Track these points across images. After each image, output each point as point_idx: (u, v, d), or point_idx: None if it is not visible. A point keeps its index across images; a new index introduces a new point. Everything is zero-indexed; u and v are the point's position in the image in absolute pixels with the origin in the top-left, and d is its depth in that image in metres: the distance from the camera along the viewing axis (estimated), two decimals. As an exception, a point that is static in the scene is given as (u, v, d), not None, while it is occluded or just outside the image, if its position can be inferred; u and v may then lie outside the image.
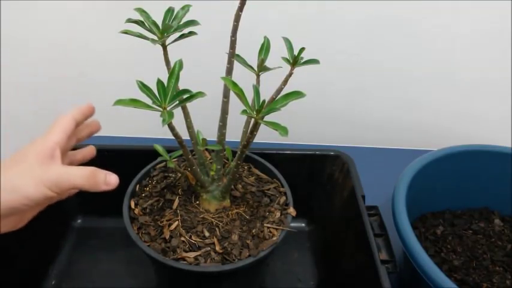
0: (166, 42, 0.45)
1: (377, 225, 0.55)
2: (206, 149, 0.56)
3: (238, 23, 0.45)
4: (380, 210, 0.57)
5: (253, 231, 0.49)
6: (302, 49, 0.46)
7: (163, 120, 0.38)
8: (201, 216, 0.51)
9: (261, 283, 0.61)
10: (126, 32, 0.44)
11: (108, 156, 0.65)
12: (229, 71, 0.48)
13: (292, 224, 0.51)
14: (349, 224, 0.59)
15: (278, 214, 0.51)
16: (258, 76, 0.49)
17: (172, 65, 0.42)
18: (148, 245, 0.47)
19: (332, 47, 0.81)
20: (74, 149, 0.48)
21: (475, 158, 0.64)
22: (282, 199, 0.54)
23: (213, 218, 0.50)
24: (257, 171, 0.58)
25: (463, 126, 0.90)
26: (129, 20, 0.45)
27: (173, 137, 0.44)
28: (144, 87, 0.40)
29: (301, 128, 0.91)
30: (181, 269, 0.45)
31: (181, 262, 0.46)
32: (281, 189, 0.56)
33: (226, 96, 0.49)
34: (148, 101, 0.39)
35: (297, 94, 0.40)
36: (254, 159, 0.59)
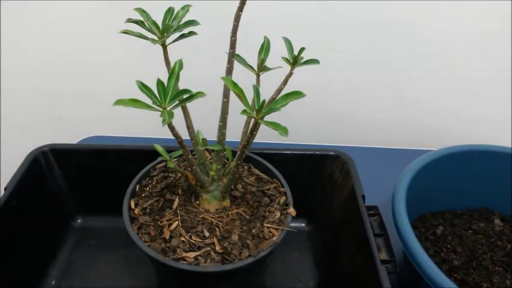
0: (166, 42, 0.45)
1: (377, 225, 0.55)
2: (206, 149, 0.56)
3: (238, 23, 0.45)
4: (380, 210, 0.57)
5: (253, 231, 0.49)
6: (302, 49, 0.46)
7: (163, 120, 0.38)
8: (201, 216, 0.51)
9: (261, 283, 0.61)
10: (126, 32, 0.44)
11: (108, 156, 0.66)
12: (229, 71, 0.48)
13: (292, 224, 0.51)
14: (349, 224, 0.59)
15: (278, 214, 0.51)
16: (258, 76, 0.49)
17: (172, 65, 0.42)
18: (148, 245, 0.47)
19: (332, 47, 0.81)
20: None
21: (475, 158, 0.64)
22: (282, 199, 0.54)
23: (213, 218, 0.50)
24: (257, 171, 0.58)
25: (463, 126, 0.90)
26: (129, 20, 0.45)
27: (173, 137, 0.44)
28: (144, 87, 0.40)
29: (301, 128, 0.91)
30: (181, 269, 0.45)
31: (181, 262, 0.46)
32: (281, 189, 0.56)
33: (226, 96, 0.48)
34: (149, 101, 0.39)
35: (297, 94, 0.40)
36: (254, 159, 0.59)
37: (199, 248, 0.47)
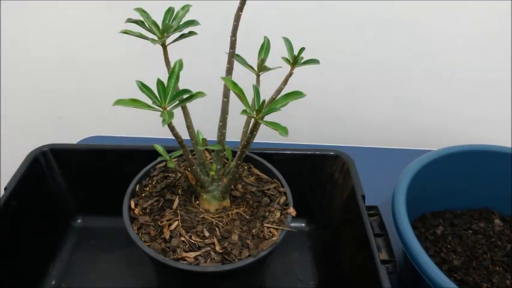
0: (166, 42, 0.45)
1: (377, 225, 0.55)
2: (206, 149, 0.56)
3: (238, 23, 0.45)
4: (380, 210, 0.57)
5: (253, 231, 0.49)
6: (302, 49, 0.46)
7: (163, 120, 0.38)
8: (201, 216, 0.51)
9: (261, 283, 0.61)
10: (126, 32, 0.44)
11: (108, 156, 0.66)
12: (229, 71, 0.48)
13: (292, 224, 0.51)
14: (349, 224, 0.59)
15: (278, 214, 0.51)
16: (258, 76, 0.49)
17: (172, 65, 0.42)
18: (148, 245, 0.47)
19: (332, 47, 0.81)
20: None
21: (475, 158, 0.64)
22: (282, 199, 0.54)
23: (213, 218, 0.50)
24: (257, 171, 0.58)
25: (463, 126, 0.90)
26: (129, 20, 0.45)
27: (173, 137, 0.44)
28: (144, 87, 0.40)
29: (301, 128, 0.91)
30: (181, 269, 0.45)
31: (181, 262, 0.46)
32: (281, 189, 0.56)
33: (226, 96, 0.48)
34: (149, 101, 0.39)
35: (297, 94, 0.40)
36: (254, 159, 0.59)
37: (199, 248, 0.47)
